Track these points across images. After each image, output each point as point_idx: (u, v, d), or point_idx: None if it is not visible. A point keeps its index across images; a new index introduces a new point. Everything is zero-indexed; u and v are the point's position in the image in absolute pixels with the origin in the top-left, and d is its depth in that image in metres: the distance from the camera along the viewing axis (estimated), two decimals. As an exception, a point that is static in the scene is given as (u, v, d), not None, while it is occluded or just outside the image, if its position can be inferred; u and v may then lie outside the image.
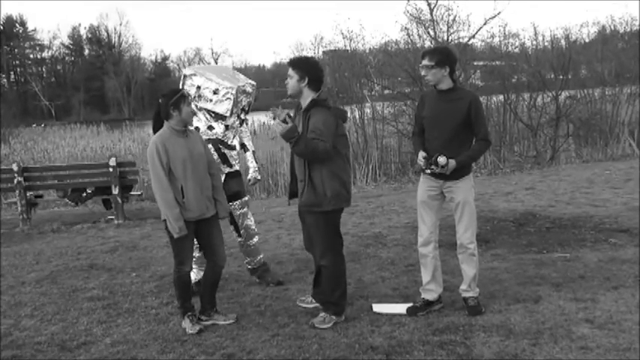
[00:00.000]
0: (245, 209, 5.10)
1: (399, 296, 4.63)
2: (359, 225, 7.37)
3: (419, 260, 4.36)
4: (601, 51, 16.10)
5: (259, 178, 5.46)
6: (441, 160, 3.93)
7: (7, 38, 66.95)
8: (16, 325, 4.57)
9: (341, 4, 51.88)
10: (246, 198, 5.13)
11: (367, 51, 15.99)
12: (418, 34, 14.35)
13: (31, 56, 72.01)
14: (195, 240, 4.31)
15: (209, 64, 55.68)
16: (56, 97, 65.60)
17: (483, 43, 15.74)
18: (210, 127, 4.89)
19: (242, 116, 5.12)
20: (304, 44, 44.65)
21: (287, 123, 3.89)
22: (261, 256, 5.27)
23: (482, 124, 4.08)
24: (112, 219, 8.89)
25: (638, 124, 14.34)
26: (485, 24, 14.04)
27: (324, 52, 17.13)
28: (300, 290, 4.93)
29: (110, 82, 67.04)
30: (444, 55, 4.08)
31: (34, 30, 72.34)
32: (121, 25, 76.44)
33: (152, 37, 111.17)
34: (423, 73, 4.14)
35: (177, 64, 71.62)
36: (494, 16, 14.08)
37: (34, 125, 38.90)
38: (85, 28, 75.87)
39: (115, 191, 8.82)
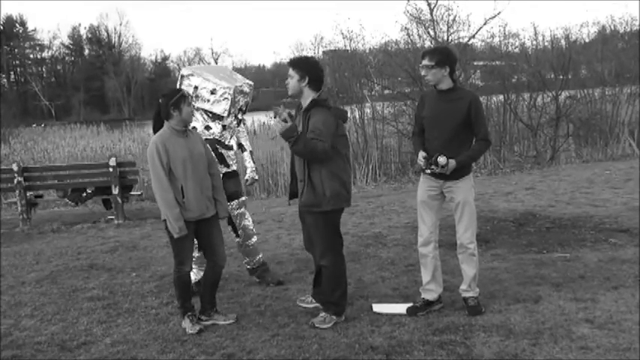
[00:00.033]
0: (242, 209, 5.10)
1: (399, 296, 4.63)
2: (359, 225, 7.37)
3: (419, 260, 4.36)
4: (601, 51, 16.09)
5: (257, 178, 5.46)
6: (441, 160, 3.94)
7: (7, 38, 66.96)
8: (16, 325, 4.57)
9: (341, 4, 51.86)
10: (243, 198, 5.13)
11: (367, 51, 16.00)
12: (418, 34, 14.36)
13: (31, 56, 72.04)
14: (194, 240, 4.31)
15: (209, 64, 55.77)
16: (56, 97, 65.61)
17: (483, 43, 15.77)
18: (208, 127, 4.89)
19: (239, 116, 5.12)
20: (304, 44, 44.67)
21: (287, 122, 3.89)
22: (260, 255, 5.27)
23: (483, 124, 4.08)
24: (112, 219, 8.89)
25: (638, 124, 14.34)
26: (485, 24, 14.05)
27: (324, 52, 17.13)
28: (300, 290, 4.93)
29: (110, 82, 67.05)
30: (444, 55, 4.08)
31: (34, 30, 72.50)
32: (121, 25, 76.59)
33: (152, 37, 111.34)
34: (423, 73, 4.14)
35: (177, 64, 71.56)
36: (494, 16, 14.09)
37: (34, 125, 38.90)
38: (85, 28, 76.08)
39: (115, 191, 8.82)
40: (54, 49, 72.66)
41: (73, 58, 74.05)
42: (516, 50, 15.38)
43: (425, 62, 4.06)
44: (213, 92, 4.84)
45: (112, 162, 8.80)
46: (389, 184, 11.94)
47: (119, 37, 73.54)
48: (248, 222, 5.15)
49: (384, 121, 14.15)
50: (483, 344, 3.67)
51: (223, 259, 4.35)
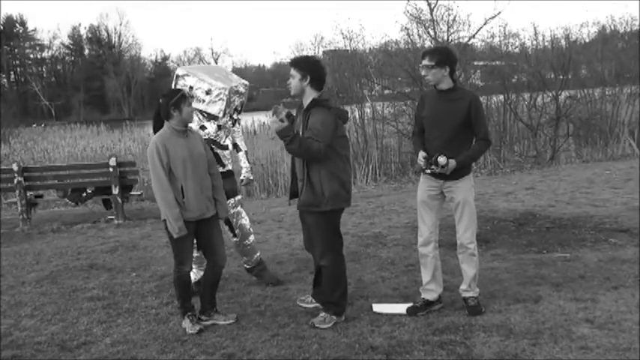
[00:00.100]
0: (238, 208, 5.09)
1: (399, 296, 4.63)
2: (359, 225, 7.37)
3: (419, 260, 4.36)
4: (601, 51, 16.09)
5: (252, 178, 5.47)
6: (441, 160, 3.94)
7: (7, 38, 66.94)
8: (16, 325, 4.57)
9: (341, 4, 51.98)
10: (239, 197, 5.13)
11: (367, 51, 16.00)
12: (418, 34, 14.37)
13: (31, 56, 72.04)
14: (194, 240, 4.31)
15: (209, 64, 55.74)
16: (56, 97, 65.59)
17: (483, 43, 15.78)
18: (203, 127, 4.89)
19: (235, 116, 5.13)
20: (304, 44, 44.79)
21: (284, 122, 3.90)
22: (258, 254, 5.26)
23: (483, 124, 4.08)
24: (112, 219, 8.89)
25: (638, 124, 14.34)
26: (485, 24, 14.06)
27: (324, 52, 17.16)
28: (300, 290, 4.93)
29: (110, 82, 67.04)
30: (444, 55, 4.08)
31: (34, 30, 72.51)
32: (121, 25, 76.51)
33: (152, 37, 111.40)
34: (423, 73, 4.14)
35: (177, 64, 71.54)
36: (494, 16, 14.10)
37: (34, 125, 38.89)
38: (85, 28, 76.18)
39: (115, 191, 8.82)
40: (54, 49, 72.81)
41: (73, 58, 74.07)
42: (516, 50, 15.41)
43: (425, 62, 4.06)
44: (208, 93, 4.84)
45: (112, 162, 8.80)
46: (389, 184, 11.94)
47: (119, 37, 73.66)
48: (245, 221, 5.15)
49: (384, 121, 14.16)
50: (483, 344, 3.67)
51: (223, 259, 4.35)
